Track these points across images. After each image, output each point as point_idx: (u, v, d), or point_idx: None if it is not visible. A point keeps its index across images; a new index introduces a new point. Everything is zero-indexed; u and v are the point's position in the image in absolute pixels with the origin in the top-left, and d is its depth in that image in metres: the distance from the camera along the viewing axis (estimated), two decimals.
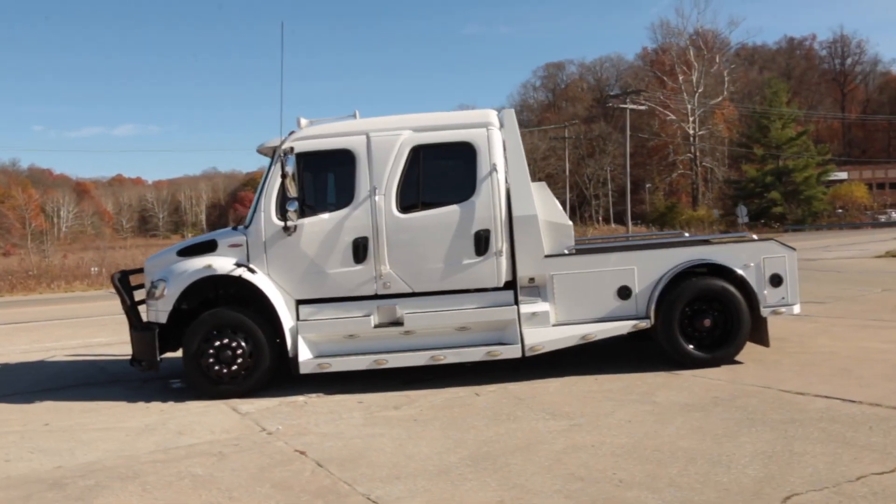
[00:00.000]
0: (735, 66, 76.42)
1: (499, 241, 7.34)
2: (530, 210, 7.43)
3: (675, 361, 7.46)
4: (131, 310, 7.61)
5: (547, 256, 7.45)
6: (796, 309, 7.61)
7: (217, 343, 7.20)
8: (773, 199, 56.92)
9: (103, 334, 12.50)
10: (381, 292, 7.39)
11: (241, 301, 7.55)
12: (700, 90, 72.33)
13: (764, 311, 7.44)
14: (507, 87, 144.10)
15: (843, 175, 67.21)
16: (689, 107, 72.48)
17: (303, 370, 7.20)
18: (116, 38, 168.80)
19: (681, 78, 72.91)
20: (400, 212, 7.35)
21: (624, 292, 7.46)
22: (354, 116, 7.76)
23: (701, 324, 7.41)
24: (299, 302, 7.39)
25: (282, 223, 7.33)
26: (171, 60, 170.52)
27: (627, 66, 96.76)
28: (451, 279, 7.39)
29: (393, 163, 7.39)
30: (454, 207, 7.39)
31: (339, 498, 4.42)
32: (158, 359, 7.40)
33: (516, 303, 7.40)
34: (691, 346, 7.40)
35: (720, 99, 74.29)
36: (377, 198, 7.32)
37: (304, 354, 7.23)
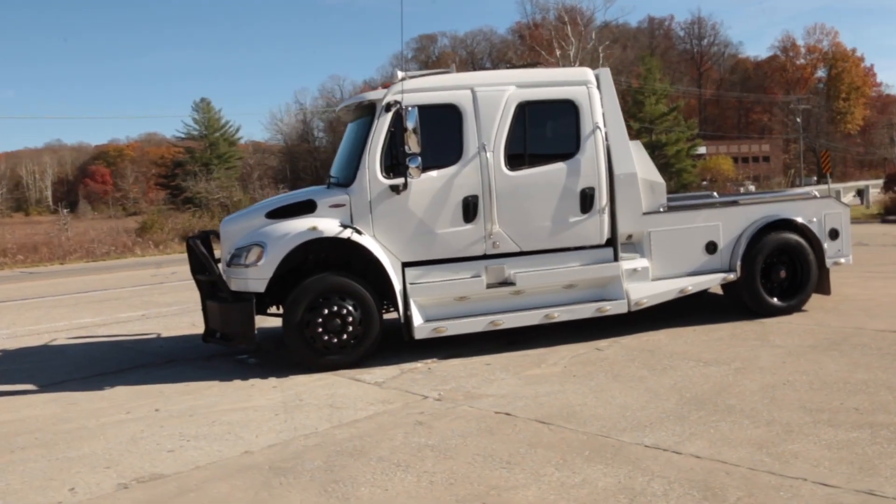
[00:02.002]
0: (609, 44, 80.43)
1: (602, 199, 7.54)
2: (631, 168, 7.69)
3: (750, 311, 8.08)
4: (219, 278, 7.03)
5: (645, 214, 7.76)
6: (850, 260, 8.48)
7: (326, 311, 6.86)
8: None
9: (86, 314, 11.34)
10: (489, 252, 7.37)
11: (335, 266, 7.22)
12: (577, 65, 75.52)
13: (827, 262, 8.22)
14: (379, 58, 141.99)
15: (702, 150, 73.22)
16: None
17: (418, 335, 7.04)
18: None
19: (558, 53, 75.68)
20: (508, 169, 7.34)
21: (711, 247, 7.95)
22: (452, 70, 7.58)
23: (777, 275, 8.06)
24: (405, 265, 7.20)
25: (388, 181, 7.08)
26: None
27: (500, 40, 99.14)
28: (557, 237, 7.51)
29: (500, 118, 7.34)
30: (561, 165, 7.49)
31: (612, 449, 4.48)
32: (256, 332, 6.93)
33: (615, 259, 7.66)
34: (774, 298, 8.04)
35: None
36: (488, 154, 7.25)
37: (417, 319, 7.07)
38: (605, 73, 7.79)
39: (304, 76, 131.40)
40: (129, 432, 5.41)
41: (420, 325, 7.05)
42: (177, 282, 15.45)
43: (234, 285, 7.01)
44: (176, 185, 59.50)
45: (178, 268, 19.65)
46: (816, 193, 8.97)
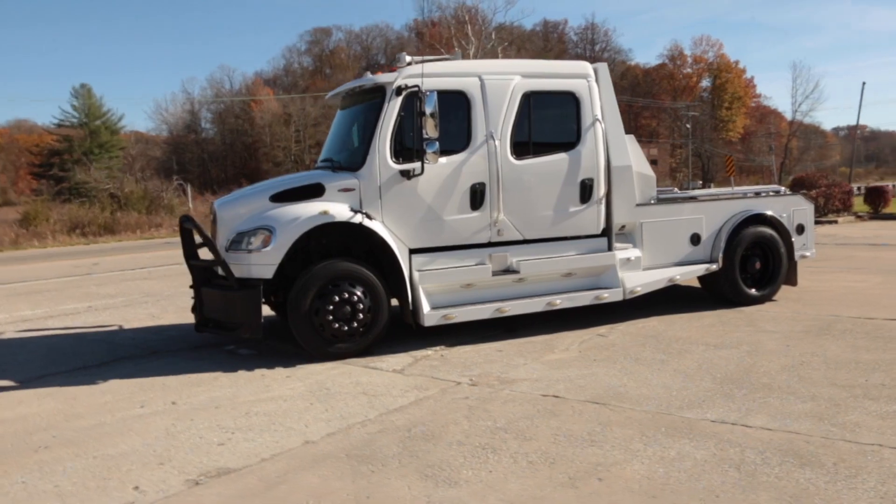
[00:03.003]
0: (509, 45, 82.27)
1: (601, 190, 7.80)
2: (626, 161, 7.99)
3: (726, 300, 8.61)
4: (223, 264, 6.69)
5: (638, 205, 8.09)
6: (814, 253, 9.23)
7: (337, 298, 6.70)
8: None
9: (22, 307, 10.40)
10: (494, 240, 7.44)
11: (338, 253, 7.07)
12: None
13: (795, 255, 8.89)
14: (270, 50, 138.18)
15: None
16: None
17: (427, 322, 7.01)
18: None
19: (458, 52, 76.48)
20: (514, 158, 7.44)
21: (695, 239, 8.41)
22: (457, 57, 7.58)
23: (753, 267, 8.64)
24: (412, 251, 7.14)
25: (398, 166, 7.00)
26: None
27: (396, 37, 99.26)
28: (557, 226, 7.69)
29: (507, 107, 7.43)
30: (563, 155, 7.68)
31: (685, 425, 4.67)
32: (262, 321, 6.65)
33: (609, 249, 7.94)
34: (752, 289, 8.61)
35: None
36: (496, 142, 7.32)
37: (426, 307, 7.04)
38: (603, 67, 8.05)
39: (192, 66, 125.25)
40: (159, 426, 5.07)
41: (429, 313, 7.02)
42: (105, 272, 14.47)
43: (237, 271, 6.70)
44: (52, 174, 55.44)
45: (97, 259, 18.41)
46: (786, 191, 9.67)
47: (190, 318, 9.26)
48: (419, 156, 6.99)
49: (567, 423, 4.80)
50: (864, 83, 60.81)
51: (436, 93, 6.76)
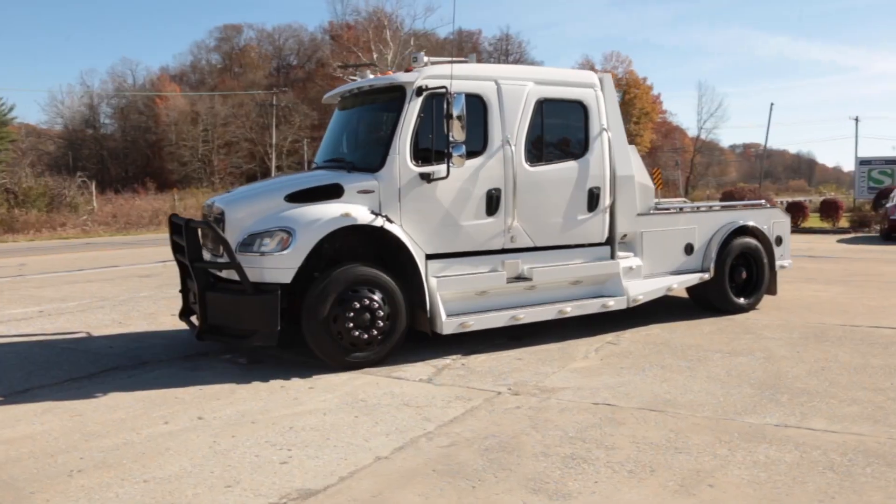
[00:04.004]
0: (432, 50, 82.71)
1: (606, 199, 7.91)
2: (629, 170, 8.14)
3: (714, 309, 8.91)
4: (238, 268, 6.29)
5: (639, 215, 8.25)
6: (791, 264, 9.72)
7: (357, 304, 6.45)
8: None
9: None
10: (507, 246, 7.40)
11: (346, 257, 6.81)
12: (393, 70, 76.62)
13: (776, 266, 9.32)
14: (177, 45, 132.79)
15: None
16: None
17: (445, 330, 6.86)
18: None
19: (375, 56, 76.32)
20: (528, 164, 7.42)
21: (689, 249, 8.67)
22: (472, 60, 7.50)
23: (739, 276, 8.98)
24: (428, 257, 6.99)
25: (418, 169, 6.85)
26: None
27: (310, 38, 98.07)
28: (566, 234, 7.73)
29: (522, 113, 7.41)
30: (572, 163, 7.73)
31: (753, 430, 4.76)
32: (279, 328, 6.32)
33: (613, 257, 8.05)
34: (741, 298, 8.95)
35: None
36: (512, 148, 7.29)
37: (443, 314, 6.89)
38: (608, 77, 8.17)
39: (92, 57, 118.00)
40: (199, 444, 4.69)
41: (447, 321, 6.88)
42: (37, 274, 13.39)
43: (250, 275, 6.33)
44: None
45: (19, 259, 16.99)
46: (767, 203, 10.11)
47: (162, 325, 8.77)
48: (438, 158, 6.87)
49: (638, 430, 4.80)
50: (771, 104, 65.29)
51: (464, 95, 6.66)
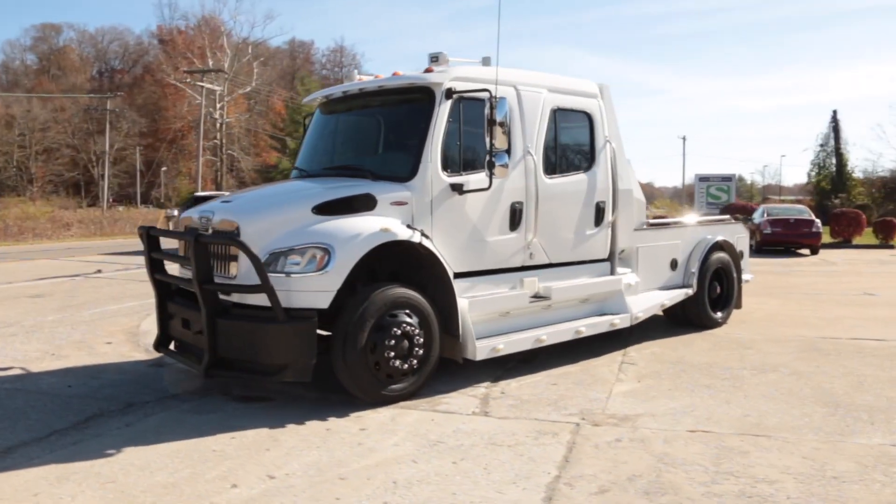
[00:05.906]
0: (265, 59, 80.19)
1: (610, 213, 7.77)
2: (629, 184, 8.07)
3: (688, 323, 9.04)
4: (271, 292, 5.34)
5: (635, 230, 8.20)
6: (752, 277, 10.15)
7: (397, 331, 5.77)
8: None
9: None
10: (526, 263, 7.02)
11: (366, 277, 6.10)
12: (230, 78, 73.32)
13: (742, 279, 9.67)
14: None
15: None
16: (217, 92, 72.70)
17: (479, 356, 6.32)
18: None
19: (210, 62, 72.69)
20: (546, 176, 7.11)
21: (674, 264, 8.75)
22: (488, 62, 7.03)
23: (714, 291, 9.21)
24: (455, 275, 6.43)
25: (449, 179, 6.30)
26: None
27: (135, 41, 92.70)
28: (576, 249, 7.52)
29: (539, 122, 7.10)
30: (582, 176, 7.53)
31: (867, 451, 4.74)
32: (314, 361, 5.48)
33: (612, 273, 7.92)
34: (718, 312, 9.15)
35: (248, 89, 76.77)
36: (534, 158, 6.94)
37: (474, 338, 6.35)
38: (607, 88, 8.06)
39: None
40: None
41: (481, 346, 6.35)
42: None
43: (283, 300, 5.42)
44: None
45: None
46: (732, 218, 10.46)
47: (105, 356, 7.60)
48: (466, 167, 6.38)
49: (771, 459, 4.59)
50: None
51: (506, 99, 6.22)
